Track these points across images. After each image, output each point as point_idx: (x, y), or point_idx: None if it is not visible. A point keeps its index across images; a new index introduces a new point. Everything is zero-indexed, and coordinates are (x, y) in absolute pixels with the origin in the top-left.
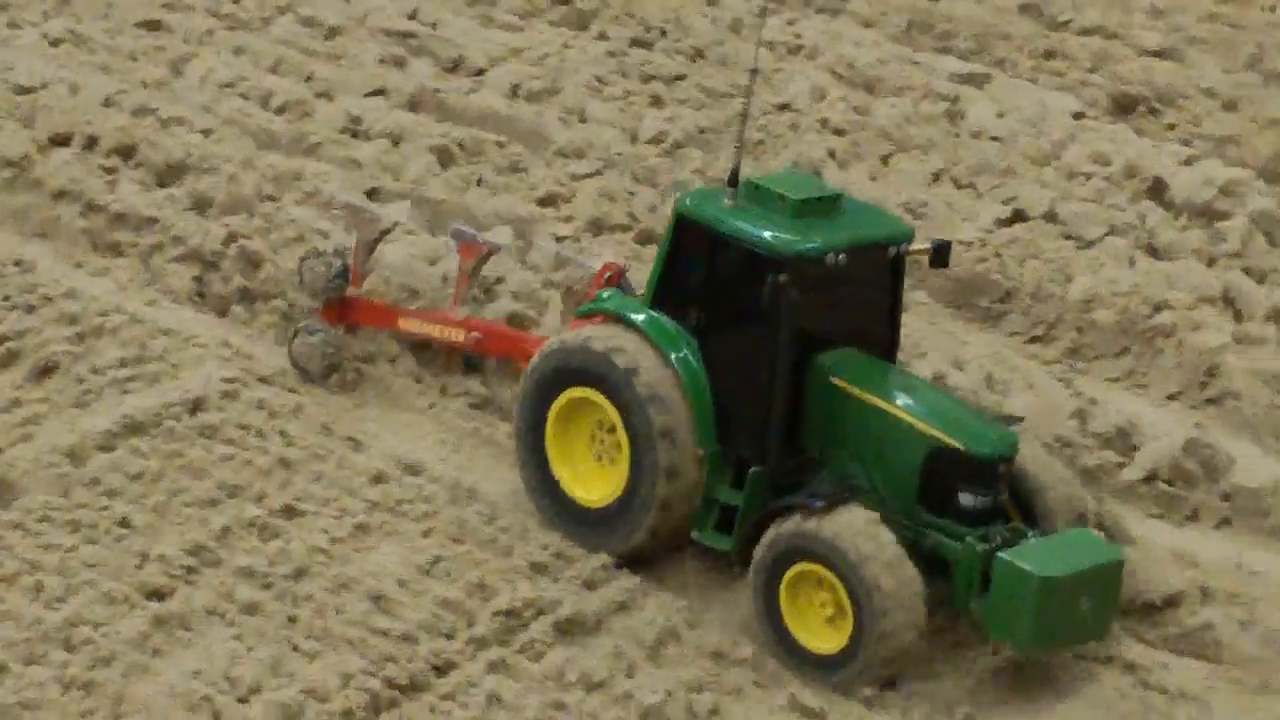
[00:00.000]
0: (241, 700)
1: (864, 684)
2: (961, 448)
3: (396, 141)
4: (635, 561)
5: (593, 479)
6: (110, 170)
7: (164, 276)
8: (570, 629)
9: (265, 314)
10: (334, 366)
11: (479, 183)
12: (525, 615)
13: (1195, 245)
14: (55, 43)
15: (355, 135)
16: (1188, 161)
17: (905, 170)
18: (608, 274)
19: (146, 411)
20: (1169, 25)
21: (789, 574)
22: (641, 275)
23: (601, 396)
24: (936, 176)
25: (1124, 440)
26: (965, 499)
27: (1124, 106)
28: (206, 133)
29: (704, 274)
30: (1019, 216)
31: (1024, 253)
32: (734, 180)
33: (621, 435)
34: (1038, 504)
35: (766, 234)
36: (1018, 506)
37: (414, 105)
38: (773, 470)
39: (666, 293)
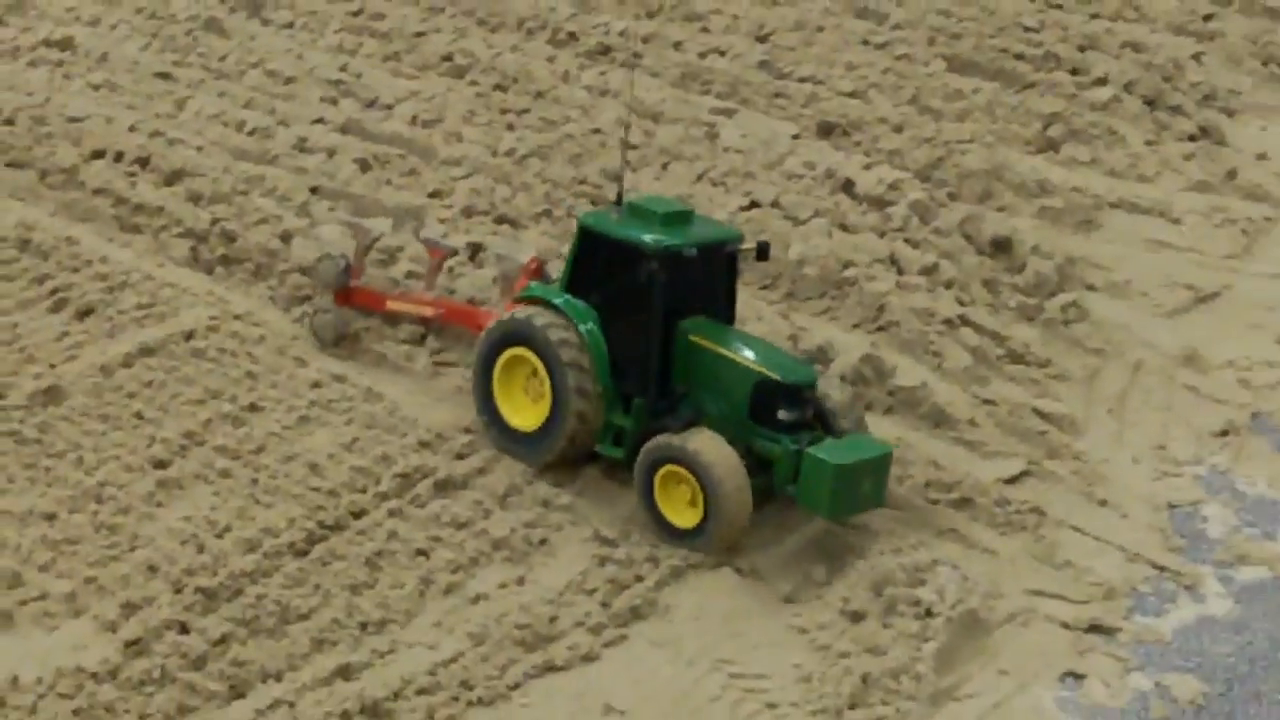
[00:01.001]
0: (218, 536)
1: (715, 549)
2: (778, 379)
3: (331, 154)
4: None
5: (525, 411)
6: (132, 175)
7: (168, 248)
8: (445, 486)
9: (239, 273)
10: (342, 336)
11: (388, 182)
12: (414, 477)
13: (872, 224)
14: (96, 88)
15: (303, 150)
16: (868, 167)
17: (678, 174)
18: (534, 265)
19: (156, 339)
20: (857, 76)
21: (660, 473)
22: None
23: (531, 354)
24: (699, 177)
25: (823, 355)
26: (782, 414)
27: (826, 130)
28: (199, 149)
29: (601, 268)
30: (755, 205)
31: (758, 230)
32: (619, 201)
33: (545, 381)
34: (831, 417)
35: (644, 236)
36: (818, 419)
37: (344, 130)
38: (651, 401)
39: (575, 281)
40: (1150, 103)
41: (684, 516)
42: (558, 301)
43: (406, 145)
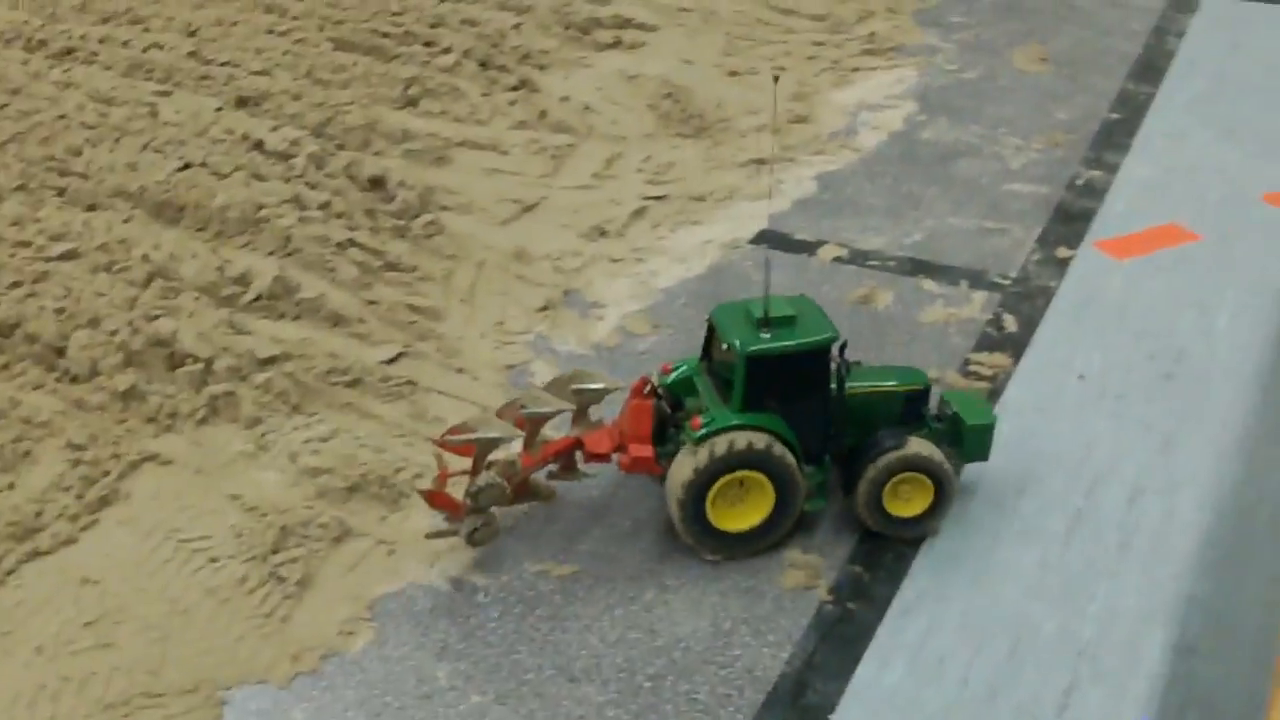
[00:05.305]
0: None
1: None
2: (919, 388)
3: None
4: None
5: (736, 517)
6: None
7: None
8: None
9: None
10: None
11: None
12: None
13: (279, 173)
14: None
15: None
16: (275, 129)
17: (128, 146)
18: (643, 384)
19: None
20: (265, 58)
21: (892, 481)
22: None
23: (757, 473)
24: (144, 147)
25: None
26: (924, 411)
27: (242, 103)
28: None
29: (773, 377)
30: (188, 165)
31: (190, 185)
32: (766, 321)
33: (767, 488)
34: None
35: (819, 338)
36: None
37: None
38: (833, 453)
39: (749, 398)
40: (483, 64)
41: (912, 508)
42: (760, 421)
43: None
